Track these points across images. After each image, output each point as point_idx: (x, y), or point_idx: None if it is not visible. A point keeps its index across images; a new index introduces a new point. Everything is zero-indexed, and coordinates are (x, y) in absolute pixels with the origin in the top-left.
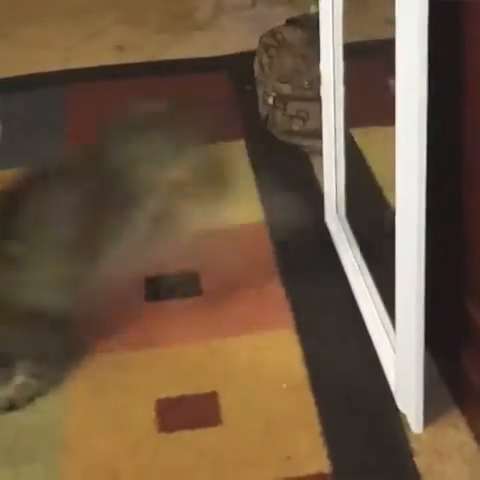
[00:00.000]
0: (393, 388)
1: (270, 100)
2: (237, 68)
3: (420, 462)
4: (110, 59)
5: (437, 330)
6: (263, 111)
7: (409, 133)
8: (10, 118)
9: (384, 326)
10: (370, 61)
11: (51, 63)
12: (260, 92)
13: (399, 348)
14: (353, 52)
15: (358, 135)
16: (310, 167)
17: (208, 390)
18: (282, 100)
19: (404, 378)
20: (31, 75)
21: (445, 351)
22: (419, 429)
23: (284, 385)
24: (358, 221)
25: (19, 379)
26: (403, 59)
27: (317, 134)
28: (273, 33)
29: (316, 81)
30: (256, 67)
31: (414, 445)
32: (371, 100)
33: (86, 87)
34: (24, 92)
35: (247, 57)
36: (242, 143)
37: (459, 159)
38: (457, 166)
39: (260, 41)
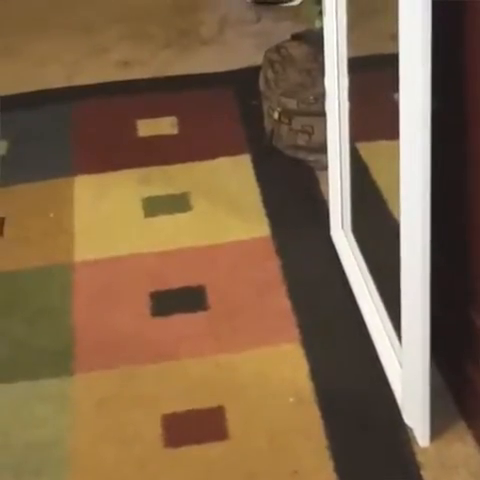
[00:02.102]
0: (399, 402)
1: (275, 115)
2: (242, 83)
3: (427, 475)
4: (115, 75)
5: (443, 342)
6: (268, 126)
7: (413, 146)
8: (16, 134)
9: (390, 340)
10: (375, 75)
11: (56, 79)
12: (265, 107)
13: (405, 362)
14: (358, 66)
15: (363, 149)
16: (315, 181)
17: (215, 405)
18: (287, 115)
19: (410, 392)
20: (36, 92)
21: (451, 363)
22: (426, 443)
23: (291, 399)
24: (364, 235)
25: None
26: (407, 73)
27: (322, 149)
28: (278, 48)
29: (321, 96)
30: (261, 82)
31: (421, 459)
32: (376, 114)
33: (92, 103)
34: (30, 109)
35: (252, 72)
36: (248, 158)
37: (464, 171)
38: (462, 178)
39: (265, 56)
